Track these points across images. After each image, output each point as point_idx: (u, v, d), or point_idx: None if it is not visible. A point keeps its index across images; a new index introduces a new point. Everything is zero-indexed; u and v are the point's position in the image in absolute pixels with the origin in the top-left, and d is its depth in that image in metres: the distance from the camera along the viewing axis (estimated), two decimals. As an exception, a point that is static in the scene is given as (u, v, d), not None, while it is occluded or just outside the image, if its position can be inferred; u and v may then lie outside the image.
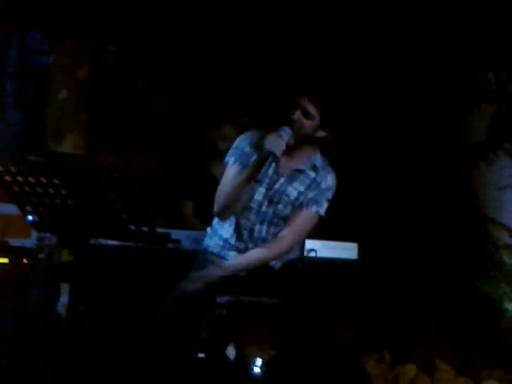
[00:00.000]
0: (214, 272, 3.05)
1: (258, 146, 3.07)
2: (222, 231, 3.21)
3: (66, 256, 3.13)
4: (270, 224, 3.16)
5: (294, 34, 4.63)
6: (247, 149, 3.11)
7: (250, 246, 3.17)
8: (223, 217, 3.13)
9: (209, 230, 3.46)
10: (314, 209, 3.15)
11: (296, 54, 4.60)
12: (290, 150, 3.10)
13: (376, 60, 4.64)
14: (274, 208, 3.15)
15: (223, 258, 3.19)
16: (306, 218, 3.16)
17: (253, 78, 4.70)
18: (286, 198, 3.14)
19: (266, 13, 4.65)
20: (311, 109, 3.02)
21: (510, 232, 4.61)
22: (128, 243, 3.13)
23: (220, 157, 4.30)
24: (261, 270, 3.14)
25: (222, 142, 4.28)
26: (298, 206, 3.15)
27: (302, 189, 3.14)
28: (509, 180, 4.62)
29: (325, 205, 3.17)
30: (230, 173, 3.10)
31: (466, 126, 4.76)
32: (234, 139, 4.27)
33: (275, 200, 3.14)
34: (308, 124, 3.05)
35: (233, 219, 3.18)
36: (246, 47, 4.71)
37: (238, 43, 4.73)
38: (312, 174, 3.16)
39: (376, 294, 4.15)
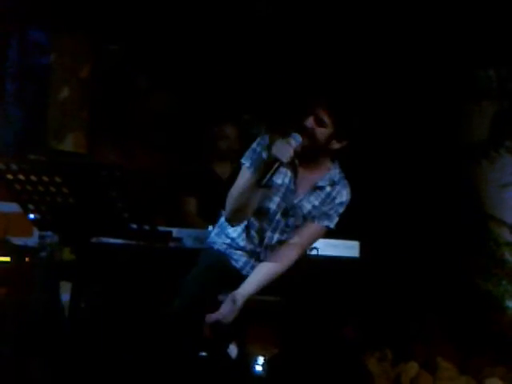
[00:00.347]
0: (230, 309, 2.95)
1: (267, 150, 3.02)
2: (229, 229, 3.19)
3: (67, 254, 3.13)
4: (281, 232, 3.13)
5: (300, 37, 4.62)
6: (264, 154, 3.03)
7: (258, 249, 3.15)
8: (233, 221, 3.10)
9: (211, 228, 3.45)
10: (325, 223, 3.12)
11: (309, 59, 4.58)
12: (307, 163, 3.08)
13: (378, 59, 4.63)
14: (287, 219, 3.12)
15: (228, 256, 3.17)
16: (315, 230, 3.13)
17: (265, 80, 4.67)
18: (299, 212, 3.11)
19: (266, 12, 4.64)
20: (325, 117, 2.96)
21: (512, 229, 4.62)
22: (129, 242, 3.10)
23: (221, 156, 4.32)
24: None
25: (223, 141, 4.27)
26: (309, 218, 3.12)
27: (316, 203, 3.11)
28: (510, 178, 4.62)
29: (336, 219, 3.14)
30: (244, 176, 3.05)
31: (467, 124, 4.75)
32: (234, 139, 4.30)
33: (290, 213, 3.11)
34: (321, 132, 2.98)
35: None
36: (249, 46, 4.70)
37: (240, 42, 4.72)
38: (328, 189, 3.12)
39: (378, 292, 4.16)
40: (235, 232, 3.18)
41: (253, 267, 3.13)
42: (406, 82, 4.67)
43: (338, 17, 4.61)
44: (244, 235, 3.16)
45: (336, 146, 3.04)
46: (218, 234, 3.24)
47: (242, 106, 4.63)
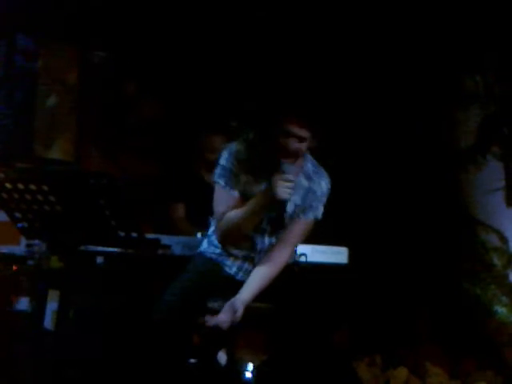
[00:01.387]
0: (229, 316, 2.93)
1: (245, 165, 3.03)
2: (213, 237, 3.18)
3: (55, 263, 3.12)
4: (270, 234, 3.14)
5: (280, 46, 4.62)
6: (232, 166, 3.05)
7: (252, 254, 3.14)
8: (227, 244, 3.11)
9: (200, 235, 3.44)
10: (311, 215, 3.14)
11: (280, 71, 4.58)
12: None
13: (363, 64, 4.64)
14: (274, 223, 3.12)
15: (221, 263, 3.16)
16: (303, 225, 3.14)
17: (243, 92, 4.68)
18: (284, 214, 3.10)
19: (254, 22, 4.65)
20: (303, 132, 2.95)
21: (499, 234, 4.63)
22: (117, 249, 3.11)
23: (210, 166, 4.30)
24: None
25: (211, 152, 4.25)
26: (295, 216, 3.12)
27: (298, 201, 3.11)
28: (497, 183, 4.64)
29: (321, 209, 3.16)
30: (221, 193, 3.06)
31: (453, 130, 4.77)
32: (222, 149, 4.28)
33: (274, 216, 3.10)
34: (303, 146, 3.00)
35: None
36: (236, 56, 4.71)
37: (228, 52, 4.73)
38: (306, 183, 3.13)
39: (366, 297, 4.16)
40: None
41: (247, 272, 3.12)
42: (392, 89, 4.68)
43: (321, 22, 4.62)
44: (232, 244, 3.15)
45: (310, 145, 3.06)
46: (209, 243, 3.23)
47: (230, 114, 4.63)
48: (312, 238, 3.34)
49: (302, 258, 3.49)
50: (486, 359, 4.38)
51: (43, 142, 4.59)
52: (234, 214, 3.02)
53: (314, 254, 3.55)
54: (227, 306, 2.94)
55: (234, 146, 3.09)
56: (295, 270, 3.25)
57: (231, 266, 3.15)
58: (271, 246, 3.12)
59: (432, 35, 4.55)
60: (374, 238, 4.51)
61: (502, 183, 4.64)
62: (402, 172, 4.68)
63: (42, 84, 4.66)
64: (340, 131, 4.41)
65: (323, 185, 3.15)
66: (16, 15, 4.42)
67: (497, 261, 4.62)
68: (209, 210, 3.21)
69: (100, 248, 3.17)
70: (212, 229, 3.21)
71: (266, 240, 3.13)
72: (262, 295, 3.04)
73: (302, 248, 3.45)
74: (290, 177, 2.92)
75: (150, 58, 4.83)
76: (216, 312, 2.96)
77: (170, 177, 4.40)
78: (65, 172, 2.78)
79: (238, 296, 2.97)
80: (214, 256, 3.17)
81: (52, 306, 3.24)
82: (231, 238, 3.08)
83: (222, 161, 3.08)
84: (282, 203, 2.97)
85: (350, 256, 3.67)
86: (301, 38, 4.63)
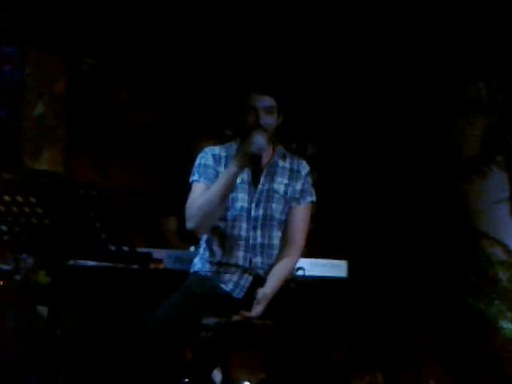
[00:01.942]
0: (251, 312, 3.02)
1: (238, 153, 3.10)
2: (213, 247, 3.19)
3: (42, 278, 3.11)
4: (263, 228, 3.17)
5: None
6: (210, 163, 3.16)
7: (248, 255, 3.15)
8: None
9: (193, 248, 3.43)
10: (308, 199, 3.23)
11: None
12: None
13: (365, 71, 4.65)
14: (265, 209, 3.16)
15: (216, 281, 3.15)
16: (305, 210, 3.22)
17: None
18: (276, 195, 3.18)
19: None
20: (266, 101, 3.09)
21: (505, 247, 4.62)
22: (108, 264, 3.12)
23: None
24: (249, 290, 3.12)
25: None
26: (291, 200, 3.19)
27: (286, 181, 3.20)
28: (502, 194, 4.63)
29: (313, 191, 3.26)
30: (199, 189, 3.12)
31: (457, 139, 4.77)
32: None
33: (263, 200, 3.16)
34: (272, 119, 3.12)
35: (219, 238, 3.17)
36: (228, 63, 4.72)
37: (220, 58, 4.74)
38: (286, 164, 3.23)
39: (367, 313, 4.14)
40: (218, 249, 3.17)
41: (243, 289, 3.13)
42: (395, 97, 4.69)
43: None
44: (228, 247, 3.15)
45: (278, 121, 3.17)
46: (202, 262, 3.22)
47: (224, 121, 4.64)
48: (310, 251, 3.35)
49: (300, 272, 3.49)
50: (490, 377, 4.36)
51: (31, 152, 4.59)
52: (205, 192, 3.07)
53: (313, 267, 3.57)
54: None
55: (209, 147, 3.23)
56: (292, 286, 3.24)
57: (227, 283, 3.14)
58: (267, 241, 3.16)
59: (434, 41, 4.57)
60: (374, 251, 4.51)
61: (507, 194, 4.64)
62: (404, 182, 4.68)
63: (29, 93, 4.65)
64: (339, 140, 4.43)
65: (303, 164, 3.27)
66: (1, 22, 4.42)
67: (502, 275, 4.61)
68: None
69: (90, 262, 3.18)
70: (203, 245, 3.21)
71: (258, 235, 3.15)
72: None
73: (299, 262, 3.40)
74: (264, 133, 3.02)
75: (140, 64, 4.83)
76: (210, 329, 2.96)
77: (162, 188, 4.39)
78: (53, 183, 2.77)
79: (262, 289, 3.04)
80: (209, 274, 3.17)
81: (40, 322, 3.24)
82: (204, 217, 3.05)
83: (197, 161, 3.19)
84: (257, 158, 3.02)
85: (350, 269, 3.69)
86: (300, 49, 4.67)
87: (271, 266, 3.14)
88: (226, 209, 3.13)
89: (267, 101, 3.09)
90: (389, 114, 4.72)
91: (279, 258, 3.16)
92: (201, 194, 3.09)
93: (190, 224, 3.08)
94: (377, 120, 4.72)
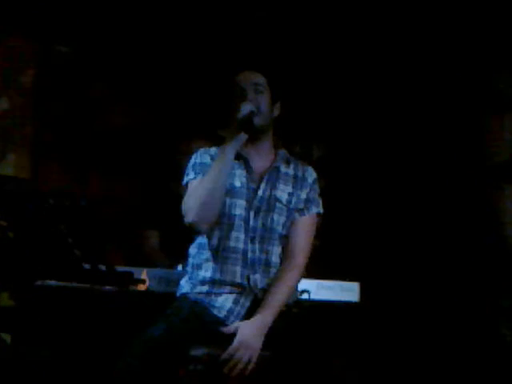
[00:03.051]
0: (248, 344, 3.00)
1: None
2: (204, 266, 3.19)
3: (5, 301, 3.12)
4: (261, 241, 3.19)
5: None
6: (208, 161, 3.22)
7: (245, 271, 3.15)
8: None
9: (180, 267, 3.44)
10: (314, 210, 3.26)
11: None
12: (254, 153, 3.25)
13: (385, 67, 4.68)
14: (265, 219, 3.19)
15: (209, 304, 3.15)
16: (310, 222, 3.25)
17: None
18: (278, 205, 3.21)
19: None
20: (252, 77, 3.20)
21: (543, 267, 4.63)
22: (82, 285, 3.10)
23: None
24: (246, 317, 3.12)
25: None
26: (294, 209, 3.22)
27: (290, 189, 3.24)
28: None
29: (320, 201, 3.29)
30: (196, 186, 3.16)
31: (486, 141, 4.78)
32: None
33: (263, 209, 3.19)
34: (262, 98, 3.20)
35: (213, 254, 3.19)
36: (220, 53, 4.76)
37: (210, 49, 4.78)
38: (290, 171, 3.28)
39: (381, 342, 4.14)
40: (210, 264, 3.18)
41: (238, 316, 3.13)
42: (416, 93, 4.71)
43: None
44: (223, 261, 3.16)
45: (276, 112, 3.27)
46: (192, 283, 3.22)
47: (217, 120, 4.66)
48: (316, 271, 3.36)
49: (305, 296, 3.51)
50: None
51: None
52: (201, 182, 3.11)
53: (320, 290, 3.60)
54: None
55: (204, 149, 3.30)
56: (294, 312, 3.25)
57: (220, 309, 3.14)
58: (267, 256, 3.18)
59: (464, 37, 4.59)
60: (390, 271, 4.55)
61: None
62: (426, 191, 4.70)
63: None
64: (350, 141, 4.43)
65: (310, 170, 3.32)
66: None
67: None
68: (187, 238, 3.24)
69: (61, 283, 3.16)
70: (192, 262, 3.22)
71: (257, 248, 3.17)
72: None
73: (304, 283, 3.47)
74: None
75: (121, 53, 4.85)
76: (200, 362, 2.95)
77: (146, 198, 4.41)
78: (18, 191, 2.78)
79: (257, 317, 3.03)
80: (200, 298, 3.16)
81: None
82: (204, 207, 3.07)
83: (193, 160, 3.26)
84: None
85: (362, 292, 3.71)
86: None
87: (269, 286, 3.14)
88: (222, 215, 3.16)
89: (254, 77, 3.19)
90: (409, 112, 4.75)
91: (278, 277, 3.15)
92: (196, 186, 3.14)
93: (188, 218, 3.09)
94: (396, 119, 4.75)
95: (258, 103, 3.17)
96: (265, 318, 3.04)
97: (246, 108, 3.10)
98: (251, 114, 3.12)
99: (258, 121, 3.14)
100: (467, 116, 4.73)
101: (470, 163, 4.73)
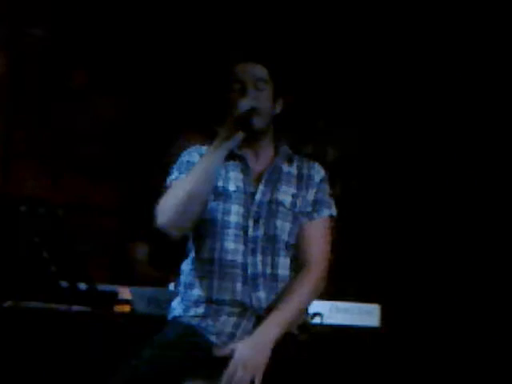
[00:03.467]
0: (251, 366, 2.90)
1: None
2: (197, 284, 3.14)
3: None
4: (264, 252, 3.12)
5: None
6: (191, 158, 3.22)
7: (247, 289, 3.08)
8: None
9: (172, 286, 3.38)
10: (326, 213, 3.20)
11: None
12: (251, 153, 3.22)
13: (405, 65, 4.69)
14: (266, 227, 3.14)
15: (204, 330, 3.09)
16: (321, 225, 3.18)
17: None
18: (282, 209, 3.16)
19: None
20: (253, 69, 3.16)
21: None
22: (59, 306, 3.09)
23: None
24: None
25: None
26: (300, 213, 3.16)
27: (293, 190, 3.19)
28: None
29: (332, 202, 3.23)
30: (175, 186, 3.15)
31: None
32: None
33: (264, 215, 3.14)
34: (264, 94, 3.18)
35: (209, 267, 3.13)
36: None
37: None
38: (292, 170, 3.24)
39: (405, 374, 4.11)
40: (206, 282, 3.12)
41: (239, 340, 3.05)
42: (443, 99, 4.73)
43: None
44: (220, 277, 3.10)
45: (278, 109, 3.23)
46: (182, 300, 3.17)
47: (212, 115, 4.66)
48: (331, 290, 3.29)
49: (316, 320, 3.50)
50: None
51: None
52: (182, 181, 3.09)
53: (334, 313, 3.61)
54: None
55: (195, 147, 3.27)
56: (303, 338, 3.17)
57: (219, 334, 3.09)
58: (272, 270, 3.11)
59: (462, 30, 4.67)
60: (415, 292, 4.55)
61: None
62: (459, 198, 4.74)
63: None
64: (373, 141, 4.41)
65: (317, 167, 3.27)
66: None
67: None
68: (181, 254, 3.18)
69: (34, 304, 3.12)
70: (184, 280, 3.17)
71: (259, 261, 3.10)
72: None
73: (316, 305, 3.41)
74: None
75: (104, 38, 4.84)
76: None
77: (131, 204, 4.39)
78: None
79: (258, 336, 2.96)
80: (194, 322, 3.10)
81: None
82: (179, 208, 3.03)
83: (179, 159, 3.24)
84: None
85: (384, 316, 3.70)
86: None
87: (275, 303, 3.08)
88: (214, 224, 3.11)
89: (255, 71, 3.16)
90: (441, 110, 4.80)
91: (287, 292, 3.08)
92: (175, 186, 3.10)
93: (159, 220, 3.05)
94: (425, 116, 4.78)
95: (258, 101, 3.11)
96: (268, 329, 2.95)
97: (244, 105, 3.04)
98: (250, 112, 3.05)
99: (257, 122, 3.08)
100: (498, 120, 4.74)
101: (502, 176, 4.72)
